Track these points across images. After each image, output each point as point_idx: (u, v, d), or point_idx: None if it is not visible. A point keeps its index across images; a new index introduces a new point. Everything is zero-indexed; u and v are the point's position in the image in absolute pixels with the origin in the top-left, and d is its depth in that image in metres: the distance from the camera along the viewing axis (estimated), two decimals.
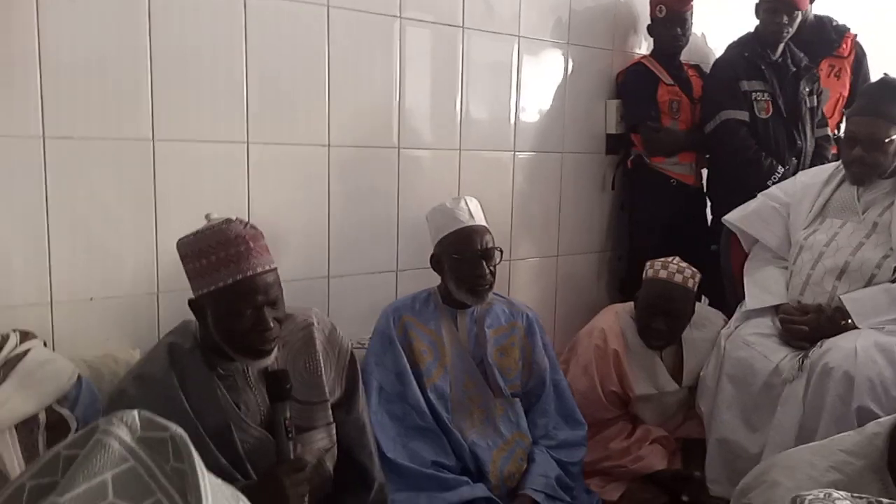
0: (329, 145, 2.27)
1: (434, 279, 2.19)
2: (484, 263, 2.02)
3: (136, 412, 0.68)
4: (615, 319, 2.38)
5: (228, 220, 1.51)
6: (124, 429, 0.67)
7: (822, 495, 0.92)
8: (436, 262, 2.12)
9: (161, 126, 1.94)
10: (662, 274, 2.30)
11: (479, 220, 2.08)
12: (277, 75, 2.13)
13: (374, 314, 2.17)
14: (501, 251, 2.10)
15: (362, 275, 2.42)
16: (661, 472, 2.22)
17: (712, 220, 3.03)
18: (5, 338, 1.56)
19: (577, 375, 2.32)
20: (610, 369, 2.29)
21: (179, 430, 0.67)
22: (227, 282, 1.46)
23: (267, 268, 1.51)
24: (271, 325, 1.50)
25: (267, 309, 1.50)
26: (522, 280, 2.84)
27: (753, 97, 2.83)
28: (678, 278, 2.29)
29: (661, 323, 2.28)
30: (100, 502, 0.62)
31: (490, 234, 2.08)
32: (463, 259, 2.04)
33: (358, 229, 2.38)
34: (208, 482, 0.66)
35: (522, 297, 2.65)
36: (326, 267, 2.33)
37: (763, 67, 2.85)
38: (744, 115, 2.82)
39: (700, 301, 2.77)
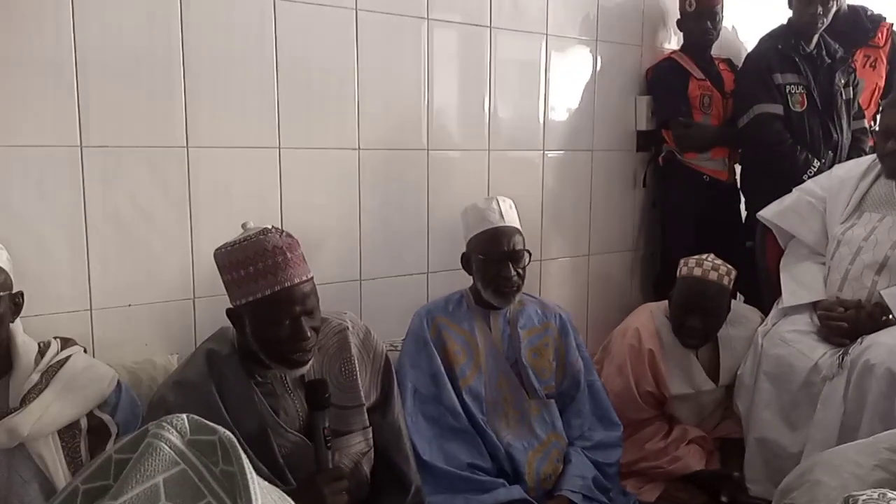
0: (359, 148, 2.28)
1: (465, 281, 2.19)
2: (511, 265, 2.01)
3: (185, 416, 0.69)
4: (649, 318, 2.35)
5: (265, 231, 1.52)
6: (174, 432, 0.68)
7: (875, 495, 0.90)
8: (465, 262, 2.12)
9: (195, 133, 1.97)
10: (697, 271, 2.26)
11: (511, 221, 2.07)
12: (307, 80, 2.15)
13: (407, 316, 2.18)
14: (531, 253, 2.08)
15: (394, 277, 2.42)
16: (700, 473, 2.19)
17: (746, 216, 2.98)
18: (47, 345, 1.60)
19: (611, 375, 2.30)
20: (645, 369, 2.26)
21: (227, 433, 0.68)
22: (265, 293, 1.47)
23: (304, 278, 1.52)
24: (308, 334, 1.51)
25: (304, 318, 1.51)
26: (554, 280, 2.82)
27: (787, 90, 2.78)
28: (713, 275, 2.25)
29: (697, 321, 2.24)
30: None
31: (520, 235, 2.07)
32: (489, 260, 2.03)
33: (389, 232, 2.39)
34: (257, 484, 0.67)
35: (554, 297, 2.64)
36: (359, 270, 2.34)
37: (797, 59, 2.80)
38: (778, 109, 2.77)
39: (736, 298, 2.73)
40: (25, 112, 1.75)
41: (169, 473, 0.67)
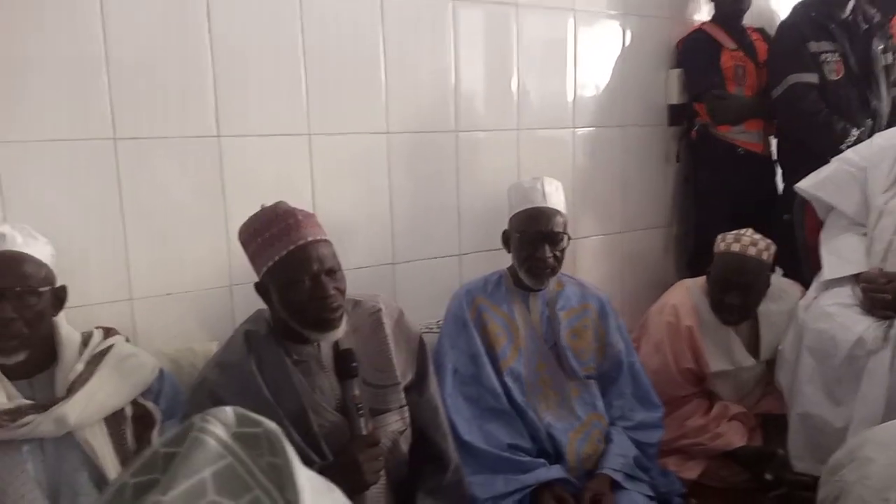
0: (388, 132, 2.27)
1: (497, 262, 2.18)
2: (547, 246, 1.99)
3: (229, 408, 0.69)
4: (687, 295, 2.32)
5: (278, 202, 1.59)
6: (220, 425, 0.68)
7: None
8: (505, 240, 2.12)
9: (225, 122, 1.98)
10: (735, 247, 2.22)
11: (554, 202, 2.04)
12: (335, 66, 2.14)
13: (440, 298, 2.18)
14: (569, 237, 2.06)
15: (426, 260, 2.42)
16: (742, 450, 2.17)
17: (783, 188, 2.93)
18: (89, 335, 1.63)
19: (649, 353, 2.27)
20: (683, 346, 2.23)
21: (273, 425, 0.68)
22: (281, 254, 1.51)
23: (319, 237, 1.55)
24: (330, 292, 1.52)
25: (325, 278, 1.53)
26: (587, 259, 2.80)
27: (822, 59, 2.71)
28: (752, 251, 2.20)
29: (735, 298, 2.20)
30: (200, 500, 0.63)
31: (561, 217, 2.04)
32: (525, 238, 2.02)
33: (420, 215, 2.38)
34: (304, 475, 0.67)
35: (587, 276, 2.62)
36: (391, 253, 2.34)
37: (832, 27, 2.72)
38: (813, 78, 2.70)
39: (774, 272, 2.68)
40: (59, 107, 1.77)
41: (216, 467, 0.67)
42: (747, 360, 2.27)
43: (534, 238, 2.01)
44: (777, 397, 2.31)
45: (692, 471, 2.18)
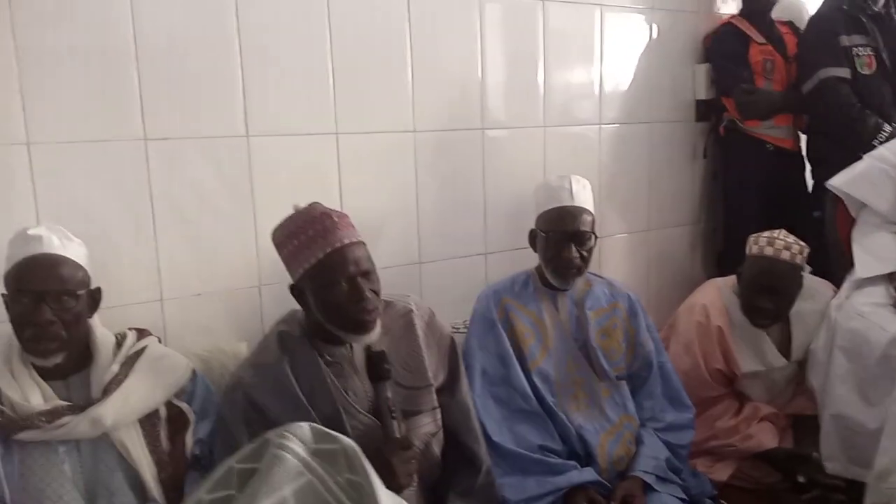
0: (415, 131, 2.26)
1: (523, 261, 2.17)
2: (573, 247, 1.97)
3: (306, 425, 0.69)
4: (717, 295, 2.29)
5: (312, 203, 1.58)
6: (298, 442, 0.68)
7: None
8: (532, 239, 2.10)
9: (254, 122, 1.98)
10: (768, 251, 2.16)
11: (581, 201, 2.02)
12: (362, 65, 2.13)
13: (466, 298, 2.17)
14: (596, 236, 2.04)
15: (452, 259, 2.41)
16: (774, 451, 2.14)
17: (813, 185, 2.88)
18: (123, 336, 1.64)
19: (678, 354, 2.25)
20: (714, 347, 2.21)
21: (350, 442, 0.68)
22: (318, 257, 1.51)
23: (355, 240, 1.55)
24: (367, 294, 1.52)
25: (361, 280, 1.53)
26: (613, 257, 2.77)
27: (854, 52, 2.66)
28: (786, 255, 2.15)
29: (768, 301, 2.16)
30: None
31: (588, 216, 2.02)
32: (551, 238, 2.01)
33: (446, 214, 2.37)
34: (385, 494, 0.66)
35: (614, 274, 2.59)
36: (417, 253, 2.33)
37: (864, 20, 2.67)
38: (845, 73, 2.65)
39: (804, 270, 2.66)
40: (90, 108, 1.77)
41: (296, 485, 0.67)
42: (779, 361, 2.24)
43: (560, 238, 1.99)
44: (808, 397, 2.27)
45: (722, 472, 2.15)
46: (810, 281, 2.34)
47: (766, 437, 2.16)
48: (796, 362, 2.28)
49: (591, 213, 2.04)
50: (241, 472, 0.67)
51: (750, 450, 2.15)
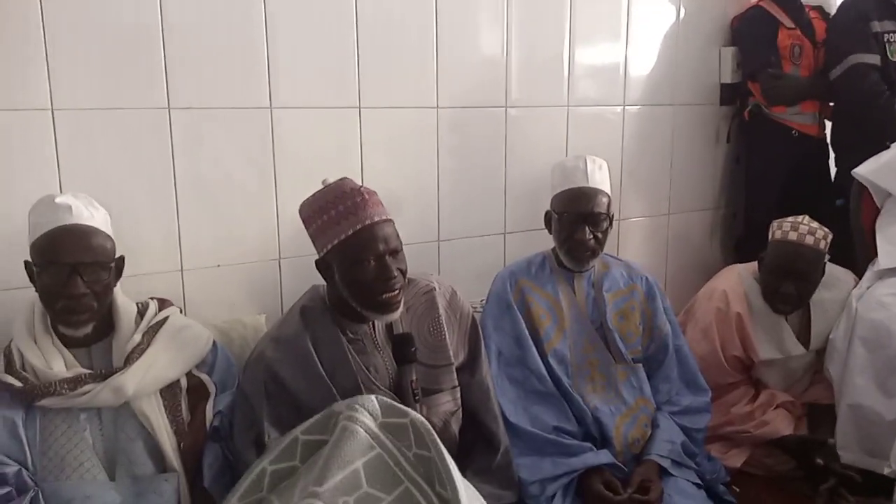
0: (438, 107, 2.24)
1: (542, 242, 2.15)
2: (587, 228, 1.95)
3: (374, 398, 0.68)
4: (738, 281, 2.27)
5: (342, 179, 1.57)
6: (367, 415, 0.67)
7: None
8: (547, 220, 2.09)
9: (278, 94, 1.96)
10: (792, 235, 2.14)
11: (597, 182, 2.00)
12: (387, 38, 2.11)
13: (484, 277, 2.16)
14: (609, 218, 2.01)
15: (471, 238, 2.40)
16: (788, 438, 2.13)
17: (837, 172, 2.85)
18: (145, 305, 1.64)
19: (696, 339, 2.23)
20: (732, 333, 2.19)
21: (419, 417, 0.67)
22: (348, 233, 1.50)
23: (384, 217, 1.55)
24: (395, 273, 1.52)
25: (389, 258, 1.52)
26: (632, 240, 2.76)
27: (886, 39, 2.62)
28: (809, 240, 2.12)
29: (791, 287, 2.13)
30: (356, 492, 0.62)
31: (604, 198, 2.00)
32: (564, 220, 1.99)
33: (466, 192, 2.36)
34: (456, 470, 0.65)
35: (632, 256, 2.58)
36: (436, 230, 2.32)
37: None
38: (875, 59, 2.61)
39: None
40: (114, 75, 1.76)
41: (367, 458, 0.66)
42: (797, 349, 2.22)
43: (574, 219, 1.97)
44: (825, 386, 2.26)
45: (736, 458, 2.14)
46: (832, 269, 2.31)
47: (781, 424, 2.15)
48: (815, 351, 2.27)
49: (606, 194, 2.02)
50: (306, 443, 0.66)
51: (765, 436, 2.14)
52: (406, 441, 0.65)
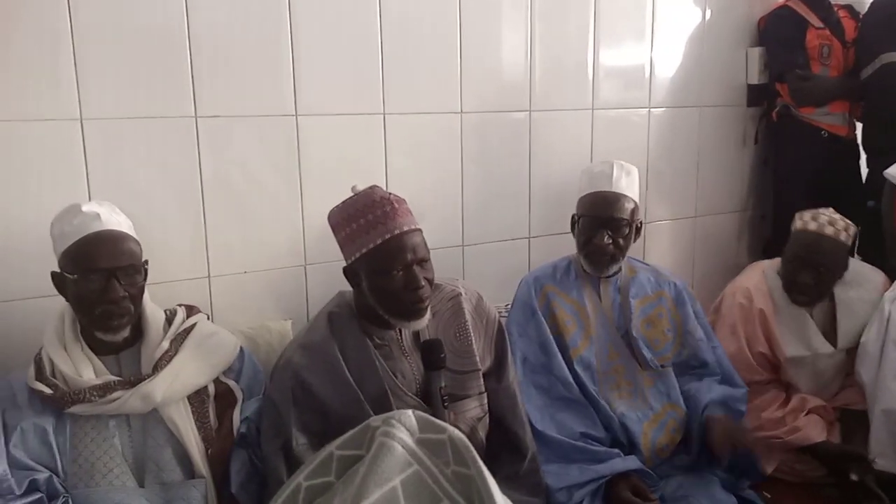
0: (461, 112, 2.24)
1: (566, 246, 2.14)
2: (606, 233, 1.94)
3: (411, 412, 0.67)
4: (762, 278, 2.24)
5: (372, 187, 1.56)
6: (404, 430, 0.66)
7: None
8: (573, 223, 2.08)
9: (303, 101, 1.97)
10: (812, 226, 2.14)
11: (622, 188, 1.98)
12: (411, 45, 2.12)
13: (509, 281, 2.15)
14: (633, 225, 1.99)
15: (496, 242, 2.39)
16: (823, 445, 2.09)
17: (868, 174, 2.80)
18: (173, 312, 1.65)
19: (724, 336, 2.20)
20: (756, 329, 2.16)
21: (457, 433, 0.66)
22: (376, 242, 1.50)
23: (413, 227, 1.54)
24: (422, 283, 1.52)
25: (417, 268, 1.52)
26: (660, 243, 2.73)
27: None
28: (829, 230, 2.12)
29: (808, 277, 2.12)
30: None
31: (628, 203, 1.98)
32: (584, 223, 1.99)
33: (490, 196, 2.35)
34: (497, 489, 0.64)
35: (658, 260, 2.57)
36: (461, 235, 2.32)
37: None
38: None
39: (854, 257, 2.59)
40: (142, 84, 1.78)
41: (405, 475, 0.65)
42: (824, 347, 2.18)
43: (593, 223, 1.96)
44: (857, 391, 2.21)
45: (767, 464, 2.11)
46: (860, 267, 2.28)
47: (813, 431, 2.11)
48: (843, 351, 2.22)
49: (632, 200, 2.00)
50: (342, 458, 0.66)
51: (797, 442, 2.10)
52: (444, 457, 0.64)
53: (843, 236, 2.14)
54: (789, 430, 2.12)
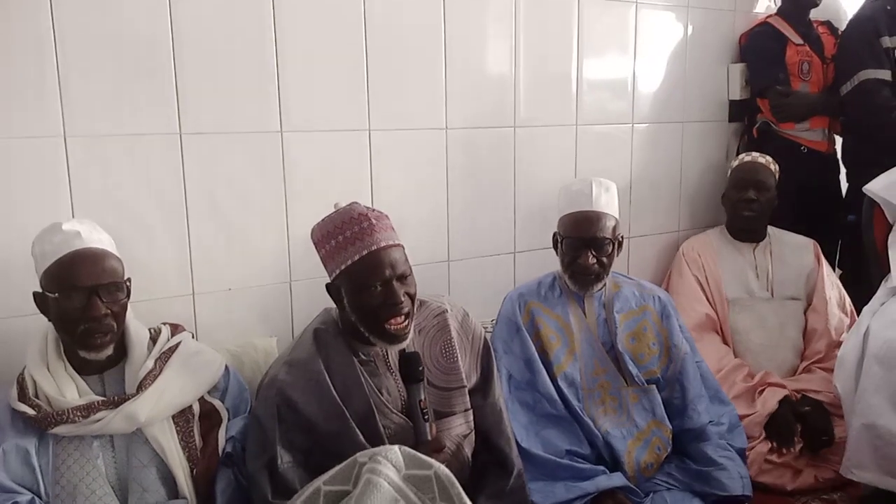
0: (447, 128, 2.25)
1: (551, 261, 2.15)
2: (590, 253, 1.96)
3: (397, 448, 0.67)
4: (705, 236, 2.67)
5: (352, 203, 1.57)
6: (390, 466, 0.66)
7: None
8: (554, 242, 2.09)
9: (288, 118, 1.98)
10: (747, 159, 2.60)
11: (602, 206, 2.00)
12: (396, 62, 2.13)
13: (495, 296, 2.16)
14: (615, 242, 2.01)
15: (481, 257, 2.40)
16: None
17: (848, 188, 2.84)
18: (157, 331, 1.64)
19: (680, 286, 2.55)
20: (703, 273, 2.54)
21: (443, 469, 0.66)
22: (354, 258, 1.51)
23: (392, 242, 1.55)
24: (401, 298, 1.52)
25: (396, 283, 1.52)
26: (643, 258, 2.75)
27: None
28: (762, 160, 2.58)
29: (753, 193, 2.51)
30: None
31: (609, 221, 2.00)
32: (568, 244, 2.00)
33: (476, 212, 2.36)
34: None
35: (642, 275, 2.59)
36: (446, 250, 2.33)
37: None
38: (885, 75, 2.60)
39: (835, 272, 2.71)
40: (126, 101, 1.77)
41: None
42: (762, 292, 2.51)
43: (577, 244, 1.98)
44: (820, 378, 2.36)
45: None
46: (795, 237, 2.63)
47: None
48: (783, 301, 2.51)
49: (612, 217, 2.02)
50: (329, 494, 0.66)
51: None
52: (430, 493, 0.64)
53: (772, 167, 2.58)
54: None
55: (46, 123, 1.69)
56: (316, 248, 1.60)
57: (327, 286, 1.59)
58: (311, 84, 1.99)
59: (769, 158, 2.58)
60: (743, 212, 2.53)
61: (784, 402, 2.23)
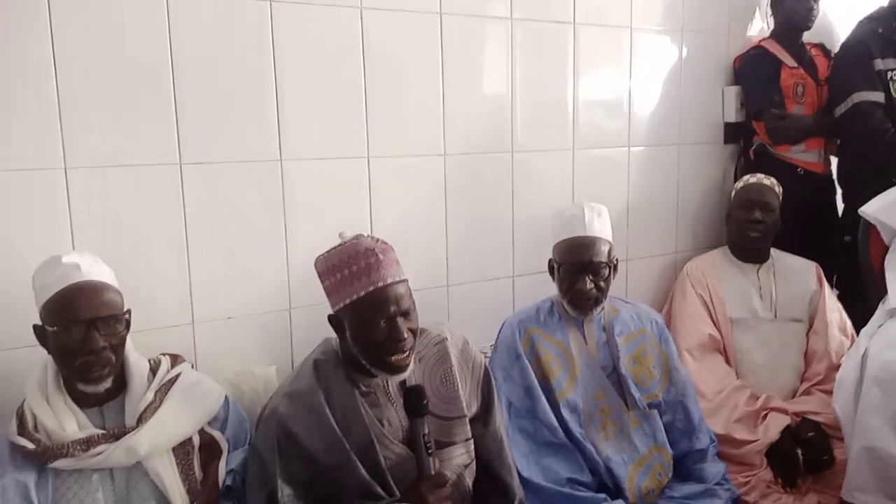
0: (445, 154, 2.26)
1: (552, 285, 2.15)
2: (588, 278, 1.97)
3: None
4: (709, 257, 2.65)
5: (359, 236, 1.56)
6: None
7: None
8: (550, 268, 2.10)
9: (288, 146, 1.98)
10: (752, 180, 2.60)
11: (596, 230, 2.01)
12: (394, 89, 2.14)
13: (493, 321, 2.17)
14: (611, 266, 2.02)
15: (480, 282, 2.40)
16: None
17: (844, 209, 2.85)
18: (157, 362, 1.64)
19: (683, 308, 2.52)
20: (707, 293, 2.52)
21: None
22: (360, 294, 1.50)
23: (398, 279, 1.54)
24: (405, 335, 1.51)
25: (400, 319, 1.52)
26: (641, 280, 2.75)
27: (889, 76, 2.63)
28: (767, 182, 2.57)
29: (759, 214, 2.51)
30: None
31: (604, 245, 2.01)
32: (564, 270, 2.01)
33: (474, 237, 2.37)
34: None
35: (640, 297, 2.61)
36: (445, 275, 2.33)
37: None
38: (878, 97, 2.62)
39: (833, 290, 2.70)
40: (126, 132, 1.78)
41: None
42: (765, 313, 2.50)
43: (573, 270, 1.99)
44: (819, 401, 2.34)
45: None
46: (797, 260, 2.63)
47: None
48: (787, 322, 2.50)
49: (607, 241, 2.03)
50: None
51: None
52: None
53: (777, 189, 2.58)
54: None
55: (46, 154, 1.70)
56: (320, 278, 1.59)
57: (329, 317, 1.58)
58: (311, 112, 2.01)
59: (773, 180, 2.58)
60: (749, 232, 2.52)
61: (786, 431, 2.21)
